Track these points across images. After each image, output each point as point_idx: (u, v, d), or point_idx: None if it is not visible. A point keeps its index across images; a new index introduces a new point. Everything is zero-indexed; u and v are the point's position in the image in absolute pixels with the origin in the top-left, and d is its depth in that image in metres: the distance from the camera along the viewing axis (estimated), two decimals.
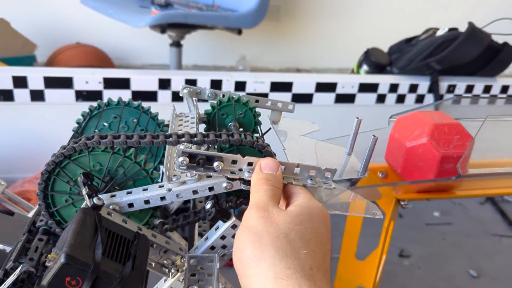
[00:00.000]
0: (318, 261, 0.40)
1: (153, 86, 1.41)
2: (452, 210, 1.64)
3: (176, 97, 1.44)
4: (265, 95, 1.52)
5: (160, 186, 0.52)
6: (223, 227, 0.53)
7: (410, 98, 1.68)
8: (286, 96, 1.55)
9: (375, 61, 1.79)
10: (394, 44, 1.93)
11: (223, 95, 0.67)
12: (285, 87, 1.54)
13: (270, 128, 0.69)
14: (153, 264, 0.54)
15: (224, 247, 0.55)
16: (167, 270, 0.55)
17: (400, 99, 1.67)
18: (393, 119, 0.78)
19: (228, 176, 0.49)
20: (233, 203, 0.56)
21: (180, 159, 0.47)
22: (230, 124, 0.66)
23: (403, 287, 1.28)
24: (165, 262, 0.55)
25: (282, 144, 0.66)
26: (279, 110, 0.72)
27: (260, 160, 0.48)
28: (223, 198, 0.58)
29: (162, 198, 0.52)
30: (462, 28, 1.65)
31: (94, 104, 0.64)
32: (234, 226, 0.53)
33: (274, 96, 1.53)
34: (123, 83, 1.37)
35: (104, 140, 0.50)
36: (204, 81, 1.44)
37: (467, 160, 0.67)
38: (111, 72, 1.38)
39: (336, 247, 0.91)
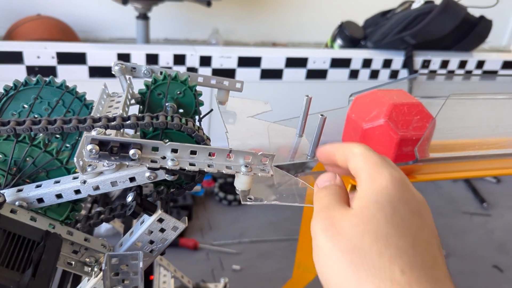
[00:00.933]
0: (410, 258, 0.31)
1: (111, 61, 1.31)
2: (424, 188, 1.62)
3: None
4: (232, 71, 1.45)
5: (74, 178, 0.46)
6: (148, 221, 0.48)
7: (384, 73, 1.63)
8: (255, 72, 1.48)
9: (349, 35, 1.73)
10: (369, 17, 1.87)
11: (161, 73, 0.61)
12: (253, 62, 1.47)
13: (211, 110, 0.63)
14: (73, 263, 0.48)
15: (151, 242, 0.49)
16: (90, 269, 0.49)
17: (374, 74, 1.61)
18: (352, 97, 0.73)
19: (148, 165, 0.43)
20: (163, 193, 0.51)
21: (89, 147, 0.40)
22: (166, 104, 0.59)
23: None
24: (87, 260, 0.49)
25: (225, 127, 0.60)
26: (225, 89, 0.66)
27: (316, 180, 0.40)
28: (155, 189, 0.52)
29: (77, 192, 0.45)
30: (439, 1, 1.59)
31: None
32: (160, 220, 0.48)
33: (243, 71, 1.46)
34: (79, 58, 1.29)
35: (4, 127, 0.43)
36: (166, 55, 1.36)
37: (427, 143, 0.62)
38: (65, 46, 1.29)
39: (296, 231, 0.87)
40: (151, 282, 0.79)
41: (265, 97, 1.63)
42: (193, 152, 0.44)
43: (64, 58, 1.27)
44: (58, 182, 0.46)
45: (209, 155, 0.45)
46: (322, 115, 0.54)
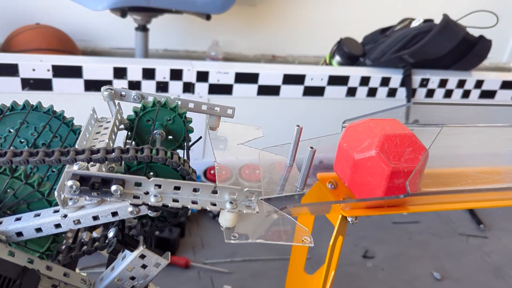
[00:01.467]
0: None
1: (107, 75, 1.31)
2: (402, 212, 1.60)
3: (133, 86, 1.36)
4: (229, 86, 1.44)
5: (55, 211, 0.45)
6: (129, 257, 0.46)
7: (382, 91, 1.62)
8: (252, 88, 1.47)
9: (348, 52, 1.72)
10: (368, 34, 1.87)
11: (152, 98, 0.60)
12: (251, 78, 1.47)
13: (200, 138, 0.62)
14: None
15: (132, 278, 0.48)
16: None
17: (372, 92, 1.61)
18: (345, 124, 0.72)
19: (130, 201, 0.42)
20: (147, 226, 0.50)
21: (69, 183, 0.39)
22: (155, 131, 0.58)
23: None
24: None
25: (214, 155, 0.59)
26: (217, 115, 0.65)
27: None
28: (138, 223, 0.51)
29: (57, 226, 0.44)
30: (438, 19, 1.59)
31: (42, 93, 0.56)
32: (142, 256, 0.47)
33: (240, 87, 1.46)
34: (75, 72, 1.28)
35: None
36: (163, 70, 1.35)
37: (420, 175, 0.61)
38: (61, 60, 1.28)
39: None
40: None
41: (262, 113, 1.62)
42: (177, 188, 0.43)
43: (60, 71, 1.26)
44: (38, 215, 0.44)
45: (194, 190, 0.44)
46: (311, 147, 0.53)
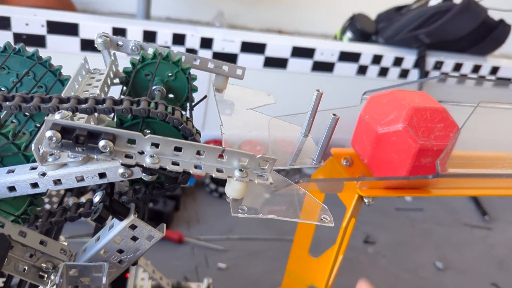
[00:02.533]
0: None
1: None
2: (425, 196, 1.55)
3: None
4: (234, 56, 1.36)
5: (32, 168, 0.38)
6: (118, 227, 0.40)
7: (394, 72, 1.54)
8: (258, 59, 1.39)
9: (360, 28, 1.64)
10: (383, 12, 1.77)
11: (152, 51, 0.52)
12: (258, 48, 1.38)
13: (205, 97, 0.55)
14: (26, 268, 0.40)
15: (120, 251, 0.41)
16: (46, 276, 0.42)
17: (383, 72, 1.53)
18: (366, 96, 0.64)
19: (121, 161, 0.35)
20: (141, 193, 0.43)
21: (48, 133, 0.32)
22: (154, 87, 0.51)
23: (364, 276, 1.18)
24: (44, 265, 0.41)
25: (220, 119, 0.52)
26: (224, 74, 0.58)
27: None
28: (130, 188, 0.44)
29: (34, 185, 0.38)
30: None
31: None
32: (133, 227, 0.40)
33: (246, 57, 1.37)
34: (71, 29, 1.20)
35: None
36: (165, 34, 1.27)
37: (449, 156, 0.55)
38: (57, 15, 1.19)
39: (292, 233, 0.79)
40: (126, 280, 0.72)
41: (267, 87, 1.54)
42: (178, 149, 0.36)
43: (55, 27, 1.18)
44: (12, 171, 0.38)
45: (198, 153, 0.37)
46: (334, 114, 0.46)
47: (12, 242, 0.37)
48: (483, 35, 1.56)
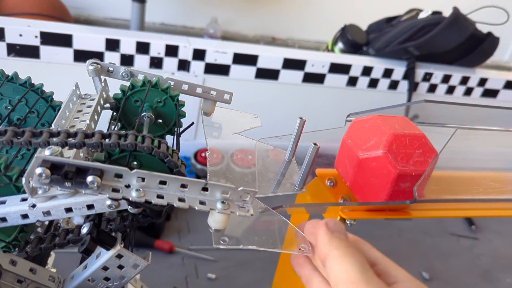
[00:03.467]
0: None
1: (99, 46, 1.25)
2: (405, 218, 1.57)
3: (126, 60, 1.29)
4: (226, 67, 1.38)
5: (23, 200, 0.39)
6: (104, 256, 0.41)
7: (384, 83, 1.57)
8: (250, 70, 1.41)
9: (351, 39, 1.66)
10: (373, 23, 1.80)
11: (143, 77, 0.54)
12: (250, 60, 1.40)
13: (192, 123, 0.57)
14: None
15: (107, 279, 0.43)
16: None
17: (373, 83, 1.56)
18: (350, 118, 0.66)
19: (108, 195, 0.37)
20: (127, 220, 0.45)
21: (38, 170, 0.34)
22: (143, 114, 0.53)
23: None
24: None
25: (207, 144, 0.54)
26: (212, 99, 0.59)
27: (325, 220, 0.40)
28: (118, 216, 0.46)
29: (24, 216, 0.39)
30: (447, 12, 1.53)
31: (29, 60, 0.51)
32: (119, 256, 0.42)
33: (238, 69, 1.39)
34: (64, 40, 1.21)
35: None
36: (158, 45, 1.29)
37: (427, 180, 0.57)
38: (50, 26, 1.21)
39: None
40: None
41: (259, 97, 1.56)
42: (163, 183, 0.38)
43: (48, 38, 1.19)
44: (3, 202, 0.39)
45: (182, 186, 0.39)
46: (315, 144, 0.48)
47: (2, 271, 0.39)
48: (471, 48, 1.59)
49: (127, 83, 0.54)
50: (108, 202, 0.39)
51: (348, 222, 0.60)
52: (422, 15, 1.60)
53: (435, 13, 1.59)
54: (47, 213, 0.39)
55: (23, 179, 0.37)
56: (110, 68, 0.55)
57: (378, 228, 1.45)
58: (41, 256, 0.48)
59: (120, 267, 0.42)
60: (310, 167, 0.49)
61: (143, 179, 0.37)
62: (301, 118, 0.53)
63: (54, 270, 0.44)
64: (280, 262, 0.83)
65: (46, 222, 0.53)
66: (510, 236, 1.55)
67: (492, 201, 0.59)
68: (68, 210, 0.39)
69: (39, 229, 0.49)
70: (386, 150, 0.55)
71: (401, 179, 0.56)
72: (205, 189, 0.39)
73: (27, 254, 0.44)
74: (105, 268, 0.42)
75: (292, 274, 0.78)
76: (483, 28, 1.57)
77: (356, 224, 0.62)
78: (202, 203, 0.39)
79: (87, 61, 0.54)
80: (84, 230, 0.40)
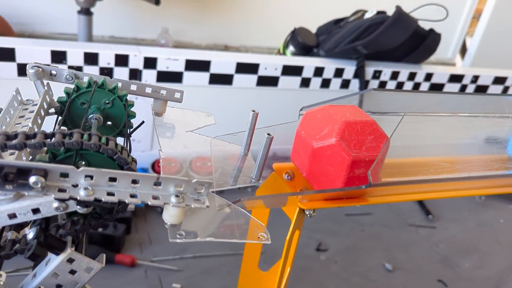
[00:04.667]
0: None
1: (44, 59, 1.20)
2: (362, 204, 1.61)
3: None
4: (179, 74, 1.37)
5: None
6: (54, 262, 0.39)
7: (336, 82, 1.60)
8: (204, 76, 1.41)
9: (301, 42, 1.69)
10: (322, 25, 1.84)
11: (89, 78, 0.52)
12: (202, 66, 1.40)
13: (142, 122, 0.55)
14: None
15: (59, 286, 0.41)
16: None
17: (325, 83, 1.59)
18: (303, 112, 0.67)
19: (54, 196, 0.35)
20: (79, 225, 0.43)
21: None
22: (91, 116, 0.51)
23: (317, 284, 1.21)
24: None
25: (158, 143, 0.53)
26: (162, 99, 0.58)
27: None
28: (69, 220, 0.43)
29: None
30: (391, 11, 1.59)
31: None
32: (70, 260, 0.40)
33: (191, 75, 1.38)
34: (7, 54, 1.16)
35: None
36: (107, 55, 1.26)
37: (381, 165, 0.58)
38: None
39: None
40: None
41: (214, 103, 1.56)
42: (113, 179, 0.37)
43: None
44: None
45: (133, 182, 0.38)
46: (268, 134, 0.48)
47: None
48: (415, 44, 1.66)
49: (72, 86, 0.52)
50: (55, 204, 0.37)
51: (307, 212, 0.60)
52: (367, 15, 1.65)
53: (380, 12, 1.64)
54: None
55: None
56: (53, 71, 0.53)
57: (341, 225, 1.47)
58: None
59: (72, 272, 0.40)
60: (265, 158, 0.49)
61: (91, 177, 0.36)
62: (253, 111, 0.53)
63: (2, 283, 0.41)
64: (243, 265, 0.82)
65: None
66: (465, 223, 1.62)
67: (444, 181, 0.61)
68: (12, 216, 0.37)
69: None
70: (339, 138, 0.56)
71: (355, 165, 0.56)
72: (157, 183, 0.38)
73: None
74: (56, 275, 0.40)
75: (254, 278, 0.77)
76: (425, 25, 1.64)
77: (316, 216, 0.62)
78: (155, 198, 0.38)
79: (28, 65, 0.51)
80: (30, 235, 0.38)
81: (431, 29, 1.65)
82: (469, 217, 1.66)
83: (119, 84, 0.54)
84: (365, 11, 1.73)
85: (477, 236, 1.55)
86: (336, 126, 0.57)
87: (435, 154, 0.68)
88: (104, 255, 0.41)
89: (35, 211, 0.37)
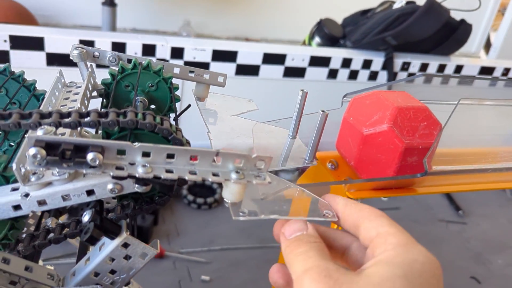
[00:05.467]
0: None
1: None
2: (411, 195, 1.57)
3: None
4: (206, 64, 1.35)
5: (14, 189, 0.35)
6: (109, 246, 0.38)
7: (363, 74, 1.57)
8: (230, 67, 1.39)
9: (328, 33, 1.66)
10: (348, 16, 1.81)
11: (130, 61, 0.51)
12: (229, 56, 1.38)
13: (189, 105, 0.54)
14: None
15: (113, 272, 0.39)
16: None
17: (353, 75, 1.55)
18: (347, 98, 0.65)
19: (112, 173, 0.33)
20: (130, 209, 0.41)
21: (32, 151, 0.30)
22: (136, 98, 0.49)
23: None
24: None
25: (206, 126, 0.51)
26: (205, 83, 0.56)
27: (283, 228, 0.35)
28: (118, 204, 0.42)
29: (16, 207, 0.35)
30: (420, 1, 1.54)
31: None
32: (125, 245, 0.38)
33: (217, 66, 1.37)
34: (36, 43, 1.15)
35: None
36: (135, 45, 1.24)
37: (433, 154, 0.55)
38: (20, 30, 1.15)
39: None
40: None
41: (241, 94, 1.53)
42: (170, 156, 0.35)
43: (19, 42, 1.14)
44: None
45: (190, 159, 0.36)
46: (323, 111, 0.46)
47: None
48: (446, 36, 1.61)
49: (116, 69, 0.50)
50: (110, 185, 0.35)
51: None
52: (396, 6, 1.61)
53: (409, 2, 1.60)
54: (43, 202, 0.35)
55: (14, 165, 0.33)
56: (96, 53, 0.51)
57: None
58: (33, 254, 0.44)
59: (127, 257, 0.38)
60: (319, 137, 0.47)
61: (148, 155, 0.34)
62: (302, 90, 0.51)
63: (53, 268, 0.40)
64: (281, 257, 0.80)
65: (33, 222, 0.49)
66: (496, 219, 1.57)
67: (502, 170, 0.58)
68: (66, 197, 0.35)
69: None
70: (392, 124, 0.54)
71: (408, 153, 0.54)
72: (217, 160, 0.36)
73: (19, 253, 0.39)
74: (110, 260, 0.38)
75: None
76: (456, 15, 1.60)
77: None
78: (215, 174, 0.36)
79: (71, 45, 0.50)
80: (86, 218, 0.37)
81: (462, 19, 1.60)
82: (500, 213, 1.61)
83: (164, 66, 0.52)
84: (393, 2, 1.69)
85: (509, 233, 1.51)
86: (387, 112, 0.54)
87: (490, 144, 0.64)
88: (158, 240, 0.40)
89: (89, 192, 0.36)
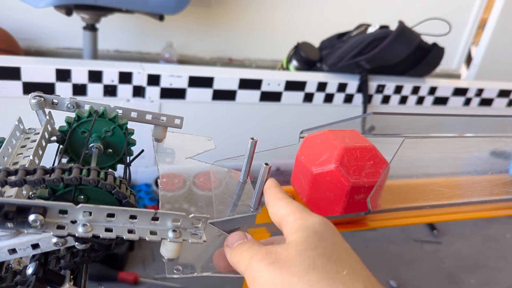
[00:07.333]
0: (364, 277, 0.35)
1: (49, 77, 1.22)
2: (363, 229, 1.60)
3: (79, 90, 1.26)
4: (182, 90, 1.38)
5: None
6: None
7: (339, 97, 1.61)
8: (207, 92, 1.42)
9: (304, 56, 1.70)
10: (325, 39, 1.85)
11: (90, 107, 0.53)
12: (205, 82, 1.41)
13: (142, 151, 0.56)
14: None
15: None
16: None
17: (328, 98, 1.59)
18: (303, 135, 0.67)
19: (53, 233, 0.35)
20: (78, 257, 0.43)
21: None
22: (91, 145, 0.52)
23: None
24: None
25: (158, 171, 0.53)
26: (163, 125, 0.59)
27: (225, 241, 0.41)
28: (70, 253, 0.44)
29: None
30: (394, 26, 1.59)
31: None
32: None
33: (194, 92, 1.39)
34: (11, 73, 1.18)
35: None
36: (111, 73, 1.27)
37: (380, 190, 0.58)
38: None
39: None
40: None
41: (217, 119, 1.56)
42: (111, 215, 0.37)
43: None
44: None
45: (131, 217, 0.38)
46: (266, 164, 0.48)
47: None
48: (419, 59, 1.66)
49: (73, 115, 0.53)
50: (54, 239, 0.38)
51: None
52: (370, 30, 1.66)
53: (383, 27, 1.65)
54: None
55: None
56: (55, 100, 0.53)
57: (346, 241, 1.46)
58: None
59: None
60: (263, 187, 0.49)
61: (90, 213, 0.36)
62: (252, 138, 0.54)
63: None
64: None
65: None
66: (471, 238, 1.60)
67: (443, 207, 0.60)
68: (13, 251, 0.37)
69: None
70: (338, 164, 0.56)
71: (355, 191, 0.57)
72: (155, 218, 0.38)
73: None
74: None
75: None
76: (428, 39, 1.65)
77: None
78: (152, 233, 0.38)
79: (30, 95, 0.52)
80: (29, 270, 0.39)
81: (434, 43, 1.65)
82: (474, 232, 1.64)
83: (120, 112, 0.54)
84: (368, 25, 1.74)
85: (483, 252, 1.54)
86: (335, 152, 0.57)
87: (436, 176, 0.67)
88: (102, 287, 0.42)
89: (35, 246, 0.38)
